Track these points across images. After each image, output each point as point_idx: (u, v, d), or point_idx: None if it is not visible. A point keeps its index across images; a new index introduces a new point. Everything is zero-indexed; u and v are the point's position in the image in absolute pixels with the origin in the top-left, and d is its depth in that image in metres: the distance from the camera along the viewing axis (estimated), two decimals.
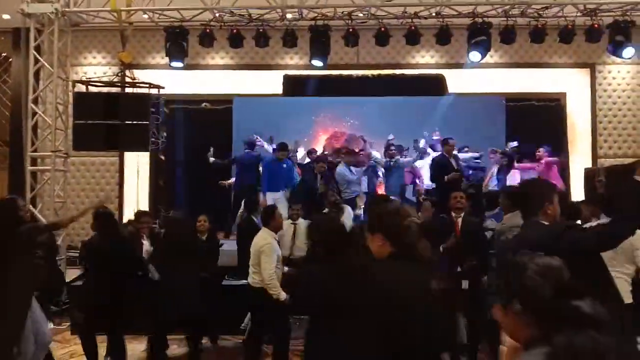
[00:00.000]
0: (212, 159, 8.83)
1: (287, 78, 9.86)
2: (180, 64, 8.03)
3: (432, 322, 2.03)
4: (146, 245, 5.09)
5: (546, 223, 2.60)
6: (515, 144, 8.55)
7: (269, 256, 4.56)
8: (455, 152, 7.90)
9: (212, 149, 8.88)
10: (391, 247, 2.15)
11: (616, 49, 7.80)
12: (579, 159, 9.98)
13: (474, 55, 8.00)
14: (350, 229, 3.56)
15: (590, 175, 9.22)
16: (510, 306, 1.40)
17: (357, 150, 8.97)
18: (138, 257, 4.79)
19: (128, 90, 7.85)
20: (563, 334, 1.26)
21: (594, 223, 4.16)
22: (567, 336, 1.26)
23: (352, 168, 8.26)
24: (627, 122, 9.97)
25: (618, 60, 8.67)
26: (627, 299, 3.73)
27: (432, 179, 7.84)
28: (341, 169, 8.15)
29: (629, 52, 7.83)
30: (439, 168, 7.56)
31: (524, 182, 4.48)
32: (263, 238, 4.69)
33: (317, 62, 8.10)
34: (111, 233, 4.49)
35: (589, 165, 9.87)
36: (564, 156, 9.55)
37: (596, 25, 7.75)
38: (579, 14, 7.76)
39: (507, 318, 1.40)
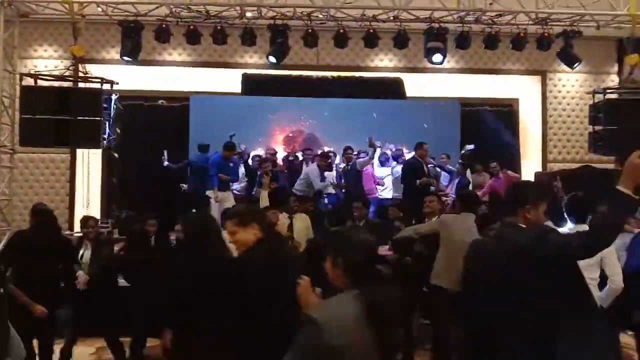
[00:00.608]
0: (166, 163, 8.63)
1: (246, 77, 9.78)
2: (130, 59, 7.83)
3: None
4: (87, 254, 4.76)
5: (523, 226, 2.58)
6: (472, 146, 8.71)
7: None
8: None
9: (166, 153, 8.67)
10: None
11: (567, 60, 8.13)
12: (530, 164, 10.33)
13: (436, 57, 8.13)
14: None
15: (544, 180, 9.58)
16: (336, 261, 1.98)
17: (318, 152, 8.93)
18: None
19: (80, 85, 7.62)
20: (367, 285, 1.90)
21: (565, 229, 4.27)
22: (369, 286, 1.90)
23: (325, 174, 8.16)
24: (575, 128, 10.38)
25: (567, 68, 9.01)
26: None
27: (403, 181, 7.87)
28: (313, 168, 8.10)
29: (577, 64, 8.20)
30: (412, 171, 7.62)
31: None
32: None
33: (272, 59, 8.05)
34: (50, 229, 4.29)
35: (539, 169, 10.23)
36: (515, 160, 9.83)
37: (546, 34, 8.04)
38: (530, 22, 8.03)
39: (333, 269, 1.99)
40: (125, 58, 7.80)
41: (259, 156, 8.86)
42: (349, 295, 1.89)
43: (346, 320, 1.82)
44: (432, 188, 7.31)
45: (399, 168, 8.44)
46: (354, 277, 1.92)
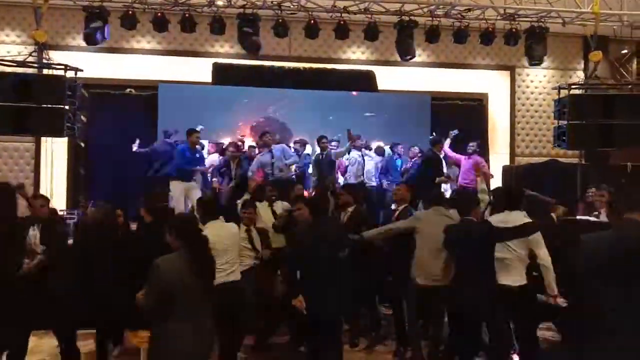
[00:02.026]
0: (135, 147, 8.56)
1: (216, 66, 9.67)
2: (95, 45, 7.64)
3: None
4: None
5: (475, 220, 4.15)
6: (456, 131, 8.76)
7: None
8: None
9: (138, 141, 8.59)
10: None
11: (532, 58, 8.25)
12: (499, 157, 10.50)
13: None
14: None
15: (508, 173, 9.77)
16: (170, 231, 3.05)
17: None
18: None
19: (44, 72, 7.40)
20: (191, 247, 3.02)
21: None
22: (193, 247, 3.05)
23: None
24: (542, 123, 10.58)
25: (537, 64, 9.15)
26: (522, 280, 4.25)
27: (419, 175, 8.01)
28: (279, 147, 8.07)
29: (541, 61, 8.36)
30: (430, 166, 7.87)
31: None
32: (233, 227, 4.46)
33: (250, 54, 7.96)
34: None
35: (507, 163, 10.41)
36: (483, 153, 9.95)
37: (514, 30, 8.14)
38: (499, 17, 8.12)
39: (169, 237, 3.06)
40: (91, 45, 7.59)
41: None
42: (180, 253, 2.97)
43: (175, 266, 2.91)
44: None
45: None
46: (182, 242, 2.99)
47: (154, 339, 2.95)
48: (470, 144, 8.53)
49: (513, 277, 4.20)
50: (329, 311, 3.97)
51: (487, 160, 10.11)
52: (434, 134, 8.96)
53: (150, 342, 2.99)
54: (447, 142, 8.54)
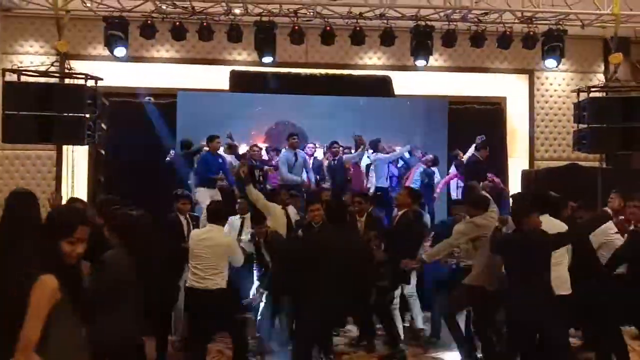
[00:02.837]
0: (168, 158, 8.67)
1: (234, 74, 9.76)
2: (121, 54, 7.77)
3: None
4: None
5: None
6: (483, 137, 8.71)
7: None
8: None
9: (172, 151, 8.74)
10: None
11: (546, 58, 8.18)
12: (518, 161, 10.37)
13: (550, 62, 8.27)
14: None
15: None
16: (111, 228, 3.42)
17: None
18: None
19: (65, 81, 7.56)
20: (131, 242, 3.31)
21: None
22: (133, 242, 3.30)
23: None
24: (562, 126, 10.43)
25: (555, 67, 9.05)
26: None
27: (464, 180, 8.10)
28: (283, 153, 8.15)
29: (551, 62, 8.23)
30: (475, 171, 8.02)
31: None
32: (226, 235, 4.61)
33: (267, 59, 8.01)
34: None
35: (527, 167, 10.28)
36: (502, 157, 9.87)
37: (532, 33, 8.07)
38: (516, 21, 8.06)
39: (110, 234, 3.41)
40: (116, 52, 7.72)
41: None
42: (121, 249, 3.25)
43: (119, 261, 3.18)
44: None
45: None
46: (121, 239, 3.28)
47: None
48: (479, 137, 8.61)
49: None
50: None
51: (506, 165, 10.02)
52: (480, 138, 8.82)
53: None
54: (473, 147, 8.51)
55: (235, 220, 6.15)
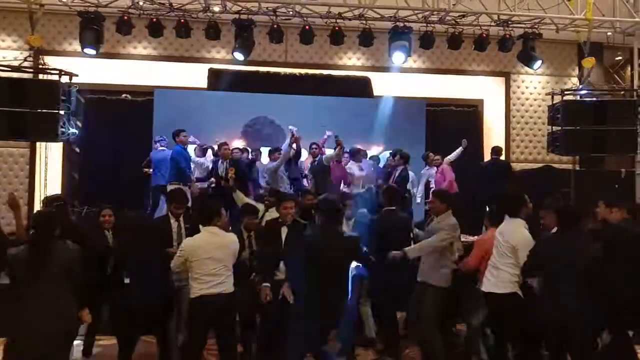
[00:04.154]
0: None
1: (212, 72, 9.70)
2: (93, 51, 7.66)
3: None
4: None
5: None
6: (465, 141, 8.76)
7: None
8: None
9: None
10: None
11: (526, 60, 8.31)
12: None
13: (397, 57, 8.19)
14: None
15: None
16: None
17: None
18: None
19: (40, 77, 7.43)
20: None
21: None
22: None
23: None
24: (538, 129, 10.61)
25: (530, 70, 9.21)
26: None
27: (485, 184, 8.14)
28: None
29: (537, 64, 8.37)
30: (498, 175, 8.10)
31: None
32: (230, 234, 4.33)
33: (238, 55, 7.99)
34: None
35: None
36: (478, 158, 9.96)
37: (508, 36, 8.19)
38: (492, 24, 8.17)
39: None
40: (87, 50, 7.61)
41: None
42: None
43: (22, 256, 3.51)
44: None
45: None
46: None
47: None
48: (435, 157, 8.60)
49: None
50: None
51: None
52: (465, 142, 8.79)
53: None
54: (459, 150, 8.56)
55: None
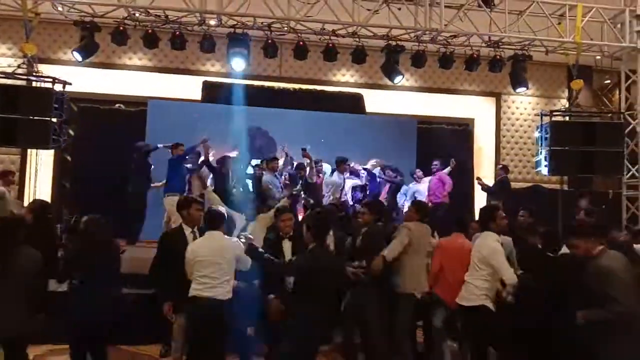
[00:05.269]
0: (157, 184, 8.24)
1: (206, 84, 9.77)
2: (81, 55, 7.70)
3: None
4: None
5: None
6: (452, 162, 8.86)
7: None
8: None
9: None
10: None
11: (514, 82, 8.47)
12: (484, 181, 10.57)
13: (236, 63, 8.00)
14: None
15: None
16: None
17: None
18: None
19: (33, 84, 7.46)
20: None
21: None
22: None
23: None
24: (527, 149, 10.75)
25: (521, 91, 9.35)
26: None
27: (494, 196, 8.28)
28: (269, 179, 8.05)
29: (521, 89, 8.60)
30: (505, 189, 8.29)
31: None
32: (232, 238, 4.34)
33: (236, 65, 7.97)
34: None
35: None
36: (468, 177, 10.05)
37: (498, 57, 8.33)
38: (483, 44, 8.31)
39: None
40: (75, 53, 7.64)
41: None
42: None
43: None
44: None
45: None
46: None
47: None
48: (434, 162, 8.67)
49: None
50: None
51: (472, 185, 10.23)
52: (502, 164, 9.16)
53: None
54: (448, 169, 8.67)
55: None
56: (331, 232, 5.06)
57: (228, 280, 4.05)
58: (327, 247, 4.24)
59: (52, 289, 4.44)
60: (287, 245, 4.66)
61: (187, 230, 4.49)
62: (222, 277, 4.00)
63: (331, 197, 8.29)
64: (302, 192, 7.95)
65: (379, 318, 4.55)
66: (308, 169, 7.95)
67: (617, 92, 10.44)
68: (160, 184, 8.01)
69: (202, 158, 8.06)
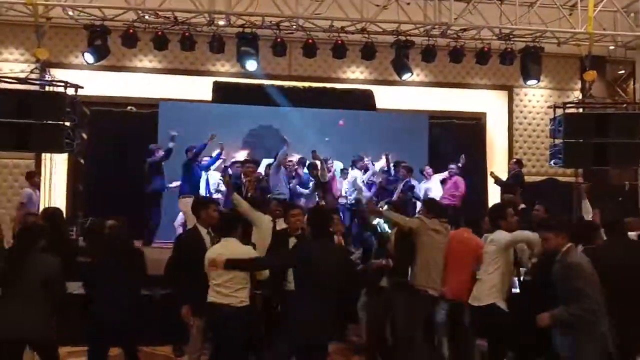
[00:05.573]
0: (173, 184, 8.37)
1: (217, 85, 9.80)
2: (93, 60, 7.78)
3: None
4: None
5: None
6: (462, 159, 8.80)
7: None
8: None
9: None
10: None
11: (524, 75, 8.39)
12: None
13: (250, 64, 8.12)
14: None
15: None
16: None
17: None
18: None
19: (46, 89, 7.52)
20: None
21: None
22: None
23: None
24: (540, 142, 10.62)
25: (533, 84, 9.25)
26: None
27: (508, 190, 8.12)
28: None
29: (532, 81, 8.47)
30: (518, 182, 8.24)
31: None
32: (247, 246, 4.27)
33: (250, 66, 8.00)
34: None
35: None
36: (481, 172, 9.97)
37: (509, 49, 8.24)
38: (494, 37, 8.23)
39: None
40: (87, 55, 7.71)
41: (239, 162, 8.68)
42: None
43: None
44: None
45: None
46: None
47: None
48: (451, 166, 8.61)
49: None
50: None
51: (485, 180, 10.15)
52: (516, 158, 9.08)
53: None
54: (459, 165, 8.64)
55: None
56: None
57: (243, 288, 4.00)
58: (331, 240, 4.26)
59: (69, 291, 4.49)
60: (293, 243, 4.63)
61: (203, 231, 4.50)
62: (236, 286, 3.97)
63: (352, 197, 8.33)
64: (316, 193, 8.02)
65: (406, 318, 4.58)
66: (320, 169, 7.95)
67: (632, 82, 10.29)
68: (175, 184, 8.07)
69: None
